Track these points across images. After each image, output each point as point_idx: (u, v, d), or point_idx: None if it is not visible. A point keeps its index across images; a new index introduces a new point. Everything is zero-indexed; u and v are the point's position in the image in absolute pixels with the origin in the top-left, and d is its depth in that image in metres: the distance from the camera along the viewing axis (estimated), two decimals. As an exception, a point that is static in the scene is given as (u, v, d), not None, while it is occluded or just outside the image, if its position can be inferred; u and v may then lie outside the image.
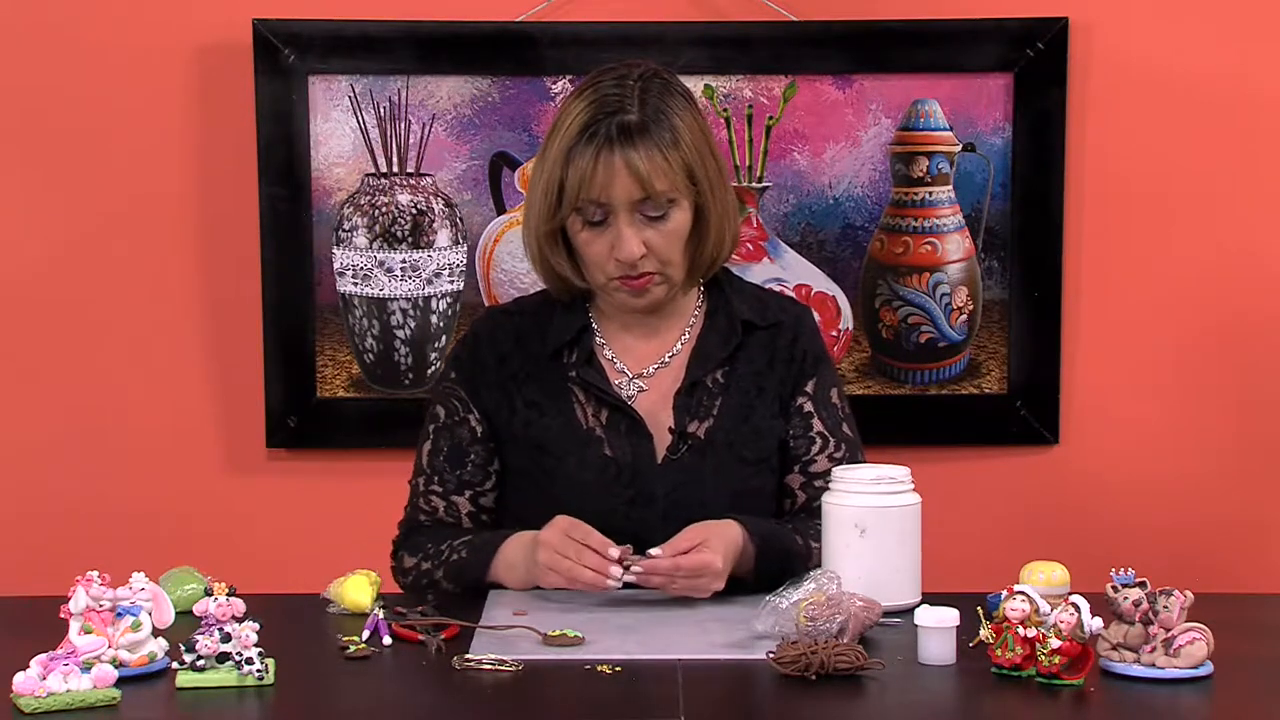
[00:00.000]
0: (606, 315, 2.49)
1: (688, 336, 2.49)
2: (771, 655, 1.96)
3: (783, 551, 2.33)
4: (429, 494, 2.49)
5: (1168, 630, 1.93)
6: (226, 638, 1.93)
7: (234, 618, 1.93)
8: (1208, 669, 1.94)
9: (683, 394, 2.44)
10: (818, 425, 2.47)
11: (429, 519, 2.49)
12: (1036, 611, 1.95)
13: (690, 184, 2.37)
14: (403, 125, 3.20)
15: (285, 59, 3.16)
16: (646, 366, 2.47)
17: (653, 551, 2.24)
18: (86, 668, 1.87)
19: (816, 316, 2.66)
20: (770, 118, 3.20)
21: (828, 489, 2.26)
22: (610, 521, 2.32)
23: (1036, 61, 3.19)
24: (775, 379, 2.48)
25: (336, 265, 3.22)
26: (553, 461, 2.42)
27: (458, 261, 3.23)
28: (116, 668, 1.90)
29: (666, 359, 2.47)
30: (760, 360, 2.48)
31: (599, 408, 2.43)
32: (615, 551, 2.23)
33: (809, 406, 2.48)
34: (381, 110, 3.19)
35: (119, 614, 1.95)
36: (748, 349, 2.48)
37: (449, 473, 2.48)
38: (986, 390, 3.27)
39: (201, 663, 1.92)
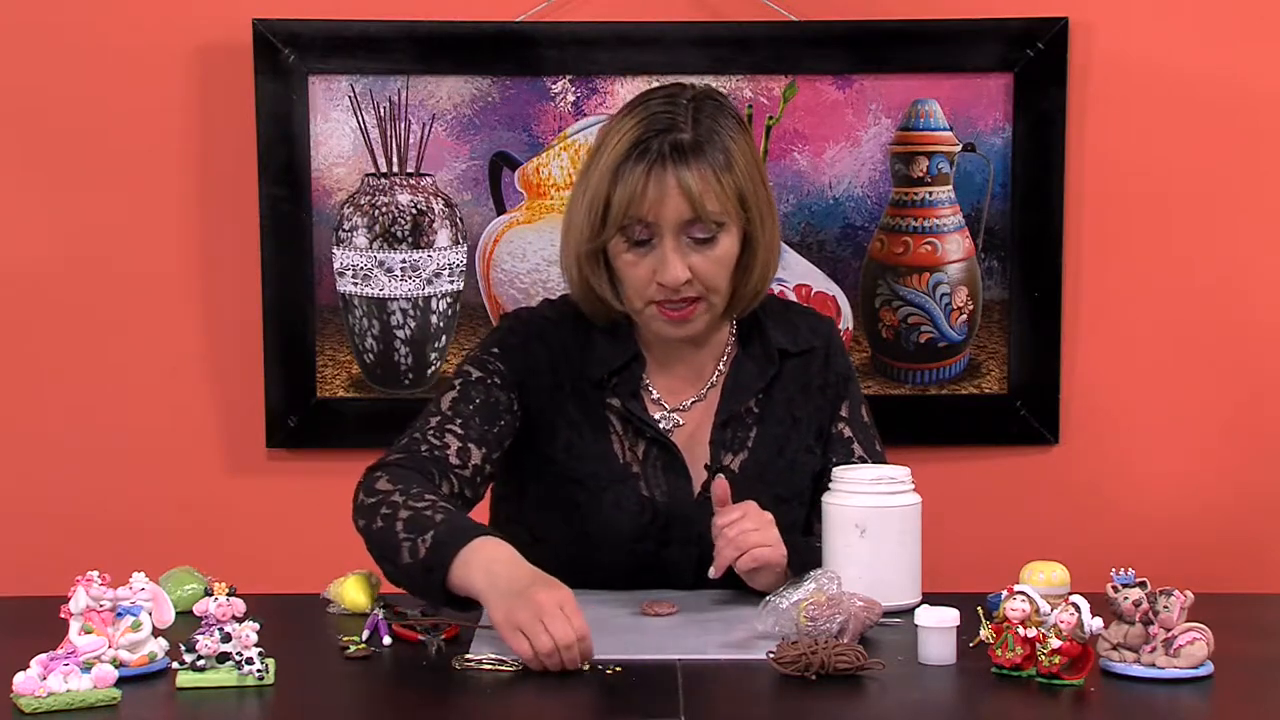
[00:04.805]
0: (647, 345, 2.41)
1: (723, 369, 2.43)
2: (771, 655, 1.96)
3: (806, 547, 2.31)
4: (444, 430, 2.30)
5: (1168, 630, 1.93)
6: (226, 638, 1.93)
7: (234, 618, 1.93)
8: (1208, 669, 1.94)
9: (718, 428, 2.39)
10: (859, 450, 2.45)
11: (434, 452, 2.28)
12: (1036, 611, 1.95)
13: (741, 210, 2.30)
14: (403, 125, 3.20)
15: (285, 59, 3.16)
16: (683, 401, 2.41)
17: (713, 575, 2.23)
18: (86, 668, 1.87)
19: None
20: (770, 118, 3.20)
21: (827, 489, 2.26)
22: (643, 561, 2.32)
23: (1036, 61, 3.18)
24: (811, 407, 2.44)
25: (336, 265, 3.22)
26: (587, 495, 2.35)
27: (458, 261, 3.22)
28: (116, 668, 1.90)
29: (703, 393, 2.42)
30: (793, 388, 2.44)
31: (635, 440, 2.37)
32: (585, 666, 1.99)
33: (848, 432, 2.46)
34: (381, 110, 3.19)
35: (119, 614, 1.95)
36: (781, 377, 2.43)
37: (474, 422, 2.31)
38: (986, 390, 3.27)
39: (201, 663, 1.92)
